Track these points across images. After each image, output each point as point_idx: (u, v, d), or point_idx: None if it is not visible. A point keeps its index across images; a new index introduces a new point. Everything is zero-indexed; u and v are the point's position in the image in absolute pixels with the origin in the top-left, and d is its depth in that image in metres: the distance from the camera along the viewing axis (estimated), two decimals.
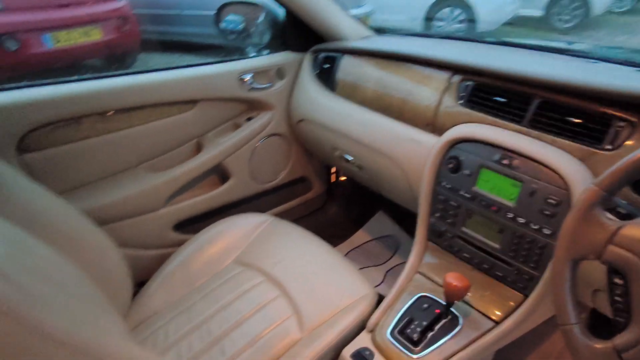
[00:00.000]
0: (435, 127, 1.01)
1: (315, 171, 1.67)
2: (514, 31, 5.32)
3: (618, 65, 0.90)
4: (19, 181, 0.73)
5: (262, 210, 1.38)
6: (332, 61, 1.32)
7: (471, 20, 5.29)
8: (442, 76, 1.01)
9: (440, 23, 5.50)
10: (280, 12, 1.39)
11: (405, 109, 1.08)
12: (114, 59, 4.37)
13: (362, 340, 0.87)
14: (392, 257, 1.61)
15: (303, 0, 1.27)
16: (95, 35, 3.83)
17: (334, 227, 1.74)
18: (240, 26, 1.61)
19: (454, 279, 0.80)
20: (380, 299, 0.97)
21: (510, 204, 0.82)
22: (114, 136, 1.15)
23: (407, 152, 1.06)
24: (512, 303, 0.85)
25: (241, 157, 1.40)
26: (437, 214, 0.97)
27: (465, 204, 0.90)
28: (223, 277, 1.03)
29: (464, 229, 0.92)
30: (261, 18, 1.50)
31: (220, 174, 1.42)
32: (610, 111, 0.74)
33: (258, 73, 1.35)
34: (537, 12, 6.00)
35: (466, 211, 0.90)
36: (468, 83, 0.95)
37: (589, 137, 0.75)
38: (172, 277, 1.06)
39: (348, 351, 0.85)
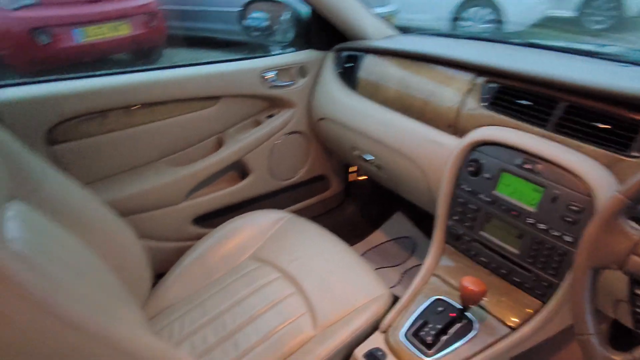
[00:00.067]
0: (456, 128, 0.99)
1: (334, 170, 1.67)
2: (542, 32, 5.19)
3: None
4: (47, 171, 0.76)
5: (280, 207, 1.39)
6: (355, 60, 1.31)
7: (499, 21, 5.19)
8: (466, 77, 1.00)
9: (467, 23, 5.40)
10: (305, 10, 1.40)
11: (426, 109, 1.07)
12: (140, 53, 4.46)
13: (375, 341, 0.87)
14: (409, 258, 1.60)
15: None
16: (123, 30, 3.92)
17: (351, 226, 1.74)
18: (265, 23, 1.63)
19: (470, 283, 0.79)
20: (395, 300, 0.96)
21: (531, 209, 0.81)
22: (137, 130, 1.18)
23: (427, 153, 1.05)
24: (529, 310, 0.83)
25: (261, 154, 1.41)
26: (456, 217, 0.96)
27: (485, 208, 0.89)
28: (239, 272, 1.05)
29: (482, 232, 0.91)
30: (285, 16, 1.51)
31: (239, 170, 1.44)
32: (639, 117, 0.72)
33: (280, 71, 1.36)
34: (568, 13, 5.82)
35: (485, 215, 0.89)
36: (492, 85, 0.94)
37: (616, 143, 0.73)
38: (189, 270, 1.08)
39: (361, 351, 0.85)
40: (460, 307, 0.84)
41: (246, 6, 1.55)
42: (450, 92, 1.02)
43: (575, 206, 0.74)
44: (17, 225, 0.56)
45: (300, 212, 1.33)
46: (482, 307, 0.88)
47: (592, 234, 0.57)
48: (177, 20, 4.98)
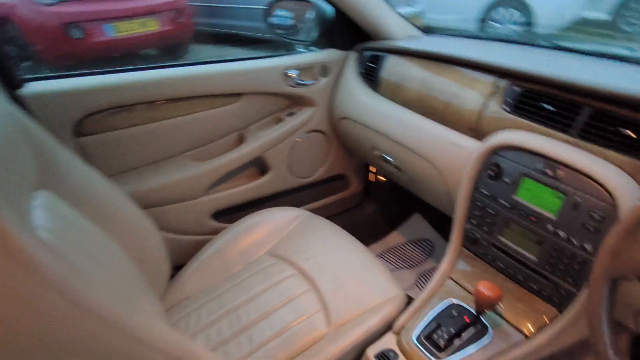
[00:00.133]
0: (477, 131, 0.98)
1: (354, 169, 1.67)
2: (573, 35, 5.04)
3: None
4: (74, 163, 0.78)
5: (298, 204, 1.40)
6: (377, 60, 1.31)
7: (529, 23, 5.06)
8: (489, 80, 0.98)
9: (496, 25, 5.29)
10: (328, 9, 1.40)
11: (448, 111, 1.06)
12: (167, 49, 4.55)
13: (388, 342, 0.87)
14: (425, 260, 1.59)
15: None
16: (152, 26, 4.01)
17: (369, 226, 1.73)
18: (289, 22, 1.64)
19: (485, 287, 0.78)
20: (410, 301, 0.96)
21: (551, 215, 0.79)
22: (161, 124, 1.21)
23: (447, 156, 1.04)
24: (545, 318, 0.82)
25: (281, 151, 1.42)
26: (474, 221, 0.95)
27: (504, 213, 0.88)
28: (256, 267, 1.06)
29: (500, 237, 0.89)
30: (309, 15, 1.51)
31: (259, 166, 1.46)
32: None
33: (303, 69, 1.37)
34: (602, 15, 5.63)
35: (504, 220, 0.88)
36: (515, 88, 0.92)
37: None
38: (207, 264, 1.09)
39: (372, 351, 0.85)
40: (475, 312, 0.83)
41: (271, 4, 1.57)
42: (473, 94, 1.00)
43: (597, 214, 0.72)
44: (44, 214, 0.58)
45: (318, 211, 1.34)
46: (497, 313, 0.87)
47: (613, 243, 0.55)
48: (203, 17, 5.06)
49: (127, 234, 0.86)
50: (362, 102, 1.32)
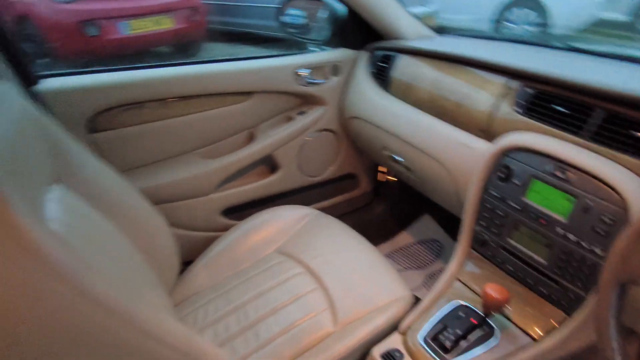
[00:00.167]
0: (488, 133, 0.98)
1: (364, 169, 1.67)
2: (589, 37, 4.96)
3: None
4: (87, 158, 0.80)
5: (307, 203, 1.41)
6: (389, 60, 1.31)
7: (544, 24, 4.99)
8: (501, 81, 0.98)
9: (511, 25, 5.23)
10: (341, 9, 1.40)
11: (459, 112, 1.05)
12: (181, 47, 4.59)
13: (393, 341, 0.87)
14: (434, 261, 1.58)
15: None
16: (166, 24, 4.05)
17: (378, 226, 1.73)
18: (302, 21, 1.64)
19: (493, 290, 0.78)
20: (417, 302, 0.96)
21: (561, 218, 0.78)
22: (172, 122, 1.22)
23: (457, 157, 1.04)
24: (553, 322, 0.81)
25: (291, 150, 1.43)
26: (483, 222, 0.94)
27: (513, 215, 0.87)
28: (264, 264, 1.07)
29: (509, 240, 0.89)
30: (322, 14, 1.52)
31: (269, 164, 1.46)
32: None
33: (314, 68, 1.37)
34: (621, 16, 5.53)
35: (513, 222, 0.87)
36: (527, 90, 0.91)
37: None
38: (216, 260, 1.11)
39: (378, 350, 0.85)
40: (482, 313, 0.83)
41: (284, 3, 1.57)
42: (484, 95, 1.00)
43: (608, 218, 0.71)
44: (57, 207, 0.60)
45: (327, 210, 1.34)
46: (504, 316, 0.86)
47: (623, 247, 0.55)
48: (216, 15, 5.09)
49: (137, 228, 0.87)
50: (372, 101, 1.32)
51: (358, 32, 1.40)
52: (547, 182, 0.81)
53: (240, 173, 1.39)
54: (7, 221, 0.38)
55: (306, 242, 1.12)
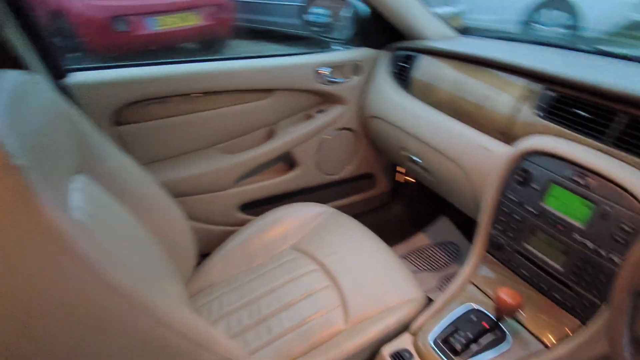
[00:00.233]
0: (508, 136, 0.96)
1: (382, 169, 1.66)
2: (622, 40, 4.78)
3: None
4: (110, 150, 0.82)
5: (324, 201, 1.41)
6: (410, 60, 1.30)
7: (575, 27, 4.85)
8: (522, 84, 0.96)
9: (540, 27, 5.10)
10: (363, 8, 1.40)
11: (479, 114, 1.04)
12: (207, 44, 4.65)
13: (404, 342, 0.87)
14: (450, 264, 1.57)
15: None
16: (193, 20, 4.11)
17: (395, 227, 1.73)
18: (325, 19, 1.65)
19: (506, 294, 0.77)
20: (429, 303, 0.96)
21: (579, 225, 0.77)
22: (195, 117, 1.25)
23: (475, 159, 1.03)
24: (567, 329, 0.80)
25: (309, 148, 1.44)
26: (499, 226, 0.93)
27: (530, 219, 0.86)
28: (278, 260, 1.08)
29: (525, 245, 0.88)
30: (345, 13, 1.52)
31: (287, 161, 1.48)
32: None
33: (335, 67, 1.38)
34: None
35: (530, 227, 0.86)
36: (549, 93, 0.90)
37: None
38: (232, 254, 1.12)
39: (388, 350, 0.85)
40: (495, 318, 0.82)
41: (309, 1, 1.58)
42: (505, 98, 0.99)
43: (627, 226, 0.70)
44: (81, 196, 0.62)
45: (344, 208, 1.35)
46: (517, 321, 0.85)
47: (639, 255, 0.54)
48: (241, 13, 5.14)
49: (156, 220, 0.89)
50: (392, 101, 1.31)
51: (380, 31, 1.39)
52: (566, 188, 0.79)
53: (259, 169, 1.41)
54: (32, 209, 0.40)
55: (321, 240, 1.13)
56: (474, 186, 1.04)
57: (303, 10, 1.59)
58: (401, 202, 1.77)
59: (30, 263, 0.40)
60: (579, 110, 0.83)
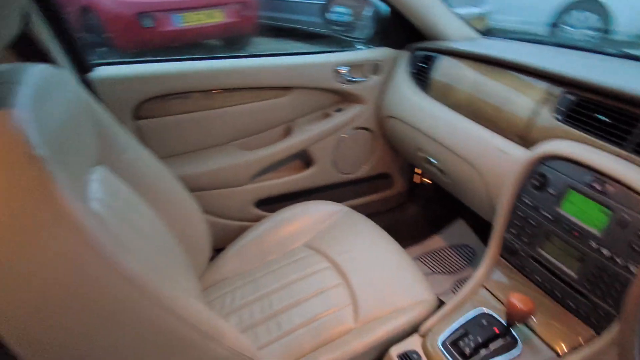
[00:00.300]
0: (526, 139, 0.95)
1: (399, 169, 1.66)
2: None
3: None
4: (130, 143, 0.85)
5: (339, 199, 1.42)
6: (430, 60, 1.29)
7: (605, 30, 4.69)
8: (542, 87, 0.95)
9: (569, 29, 4.96)
10: (384, 7, 1.40)
11: (498, 117, 1.03)
12: (230, 40, 4.70)
13: (412, 343, 0.86)
14: (465, 267, 1.55)
15: None
16: (217, 17, 4.16)
17: (410, 228, 1.72)
18: (347, 18, 1.65)
19: (518, 299, 0.76)
20: (441, 306, 0.95)
21: (595, 232, 0.75)
22: (214, 113, 1.27)
23: (491, 162, 1.01)
24: (580, 338, 0.78)
25: (326, 146, 1.44)
26: (514, 230, 0.92)
27: (546, 225, 0.84)
28: (292, 257, 1.09)
29: (540, 250, 0.86)
30: (367, 12, 1.52)
31: (304, 159, 1.48)
32: None
33: (354, 66, 1.38)
34: None
35: (545, 232, 0.85)
36: (569, 97, 0.88)
37: None
38: (246, 249, 1.14)
39: (396, 350, 0.85)
40: (506, 323, 0.81)
41: (330, 0, 1.59)
42: (524, 100, 0.97)
43: None
44: (99, 187, 0.64)
45: (359, 208, 1.35)
46: (529, 327, 0.84)
47: None
48: (265, 10, 5.17)
49: (173, 213, 0.91)
50: (410, 102, 1.31)
51: (400, 31, 1.39)
52: (583, 193, 0.78)
53: (275, 166, 1.42)
54: (50, 198, 0.42)
55: (334, 238, 1.13)
56: (489, 189, 1.03)
57: (325, 8, 1.60)
58: (417, 203, 1.75)
59: (46, 250, 0.42)
60: (600, 115, 0.81)
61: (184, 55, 1.22)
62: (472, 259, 1.58)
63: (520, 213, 0.90)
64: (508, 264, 0.95)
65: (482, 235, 1.63)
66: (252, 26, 4.57)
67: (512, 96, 1.00)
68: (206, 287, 1.06)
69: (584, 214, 0.78)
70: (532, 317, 0.84)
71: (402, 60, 1.40)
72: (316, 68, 1.34)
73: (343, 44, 1.52)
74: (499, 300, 0.91)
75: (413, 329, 0.90)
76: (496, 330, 0.83)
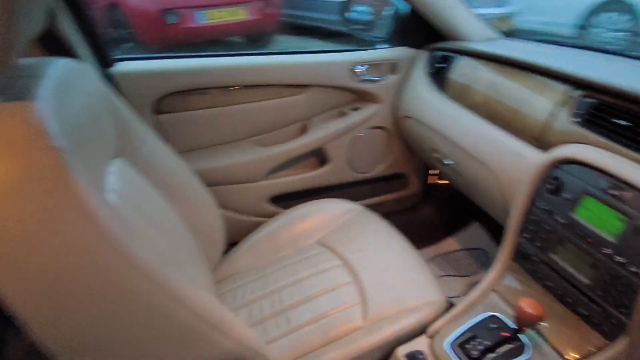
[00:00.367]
0: (542, 142, 0.93)
1: (414, 170, 1.65)
2: None
3: None
4: (149, 136, 0.87)
5: (353, 198, 1.42)
6: (447, 61, 1.28)
7: (637, 32, 4.54)
8: (560, 89, 0.93)
9: (597, 31, 4.82)
10: (403, 7, 1.39)
11: (515, 119, 1.02)
12: (252, 38, 4.75)
13: (420, 344, 0.86)
14: (478, 271, 1.53)
15: None
16: (240, 15, 4.20)
17: (424, 229, 1.71)
18: (368, 17, 1.65)
19: (527, 304, 0.75)
20: (450, 308, 0.95)
21: (610, 238, 0.74)
22: (231, 109, 1.29)
23: (507, 164, 1.00)
24: (591, 347, 0.77)
25: (342, 145, 1.45)
26: (527, 235, 0.91)
27: (559, 230, 0.83)
28: (304, 254, 1.10)
29: (552, 255, 0.85)
30: (387, 11, 1.51)
31: (319, 157, 1.49)
32: None
33: (371, 65, 1.38)
34: None
35: (559, 238, 0.83)
36: (588, 100, 0.86)
37: None
38: (259, 244, 1.16)
39: (403, 350, 0.85)
40: (515, 328, 0.80)
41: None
42: (542, 103, 0.95)
43: None
44: (116, 179, 0.66)
45: (373, 207, 1.35)
46: (539, 333, 0.83)
47: None
48: (286, 8, 5.19)
49: (188, 206, 0.93)
50: (427, 102, 1.30)
51: (419, 31, 1.38)
52: (599, 199, 0.76)
53: (291, 163, 1.43)
54: (67, 188, 0.44)
55: (347, 236, 1.14)
56: (504, 192, 1.02)
57: (345, 7, 1.60)
58: (432, 204, 1.74)
59: (60, 238, 0.44)
60: (619, 119, 0.80)
61: (205, 52, 1.24)
62: (486, 263, 1.56)
63: (533, 217, 0.89)
64: (520, 268, 0.94)
65: (498, 239, 1.60)
66: (275, 24, 4.61)
67: (530, 98, 0.99)
68: (219, 280, 1.08)
69: (598, 220, 0.76)
70: (543, 322, 0.82)
71: (420, 60, 1.40)
72: (333, 66, 1.35)
73: (362, 43, 1.52)
74: (509, 304, 0.90)
75: (421, 330, 0.89)
76: (505, 334, 0.82)
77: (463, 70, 1.22)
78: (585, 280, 0.78)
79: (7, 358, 0.62)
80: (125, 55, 1.15)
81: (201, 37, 4.06)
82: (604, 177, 0.76)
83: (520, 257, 0.93)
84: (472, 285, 1.45)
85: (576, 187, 0.81)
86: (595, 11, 4.76)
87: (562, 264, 0.83)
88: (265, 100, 1.32)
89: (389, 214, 1.63)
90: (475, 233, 1.69)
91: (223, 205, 1.33)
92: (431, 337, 0.87)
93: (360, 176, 1.56)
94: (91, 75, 0.72)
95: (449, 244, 1.68)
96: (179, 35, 3.88)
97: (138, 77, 1.13)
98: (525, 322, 0.76)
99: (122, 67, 1.11)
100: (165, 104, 1.20)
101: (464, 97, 1.19)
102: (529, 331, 0.82)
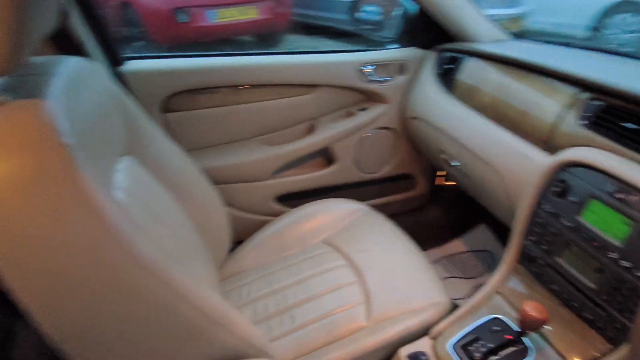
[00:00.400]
0: (549, 145, 0.93)
1: (421, 170, 1.64)
2: None
3: None
4: (157, 135, 0.88)
5: (360, 198, 1.42)
6: (456, 62, 1.28)
7: None
8: (568, 91, 0.92)
9: (611, 32, 4.74)
10: (412, 7, 1.39)
11: (521, 120, 1.01)
12: (263, 37, 4.76)
13: (423, 345, 0.86)
14: (484, 273, 1.52)
15: None
16: (251, 14, 4.22)
17: (431, 230, 1.70)
18: (377, 17, 1.65)
19: (531, 308, 0.75)
20: (454, 309, 0.95)
21: (616, 243, 0.73)
22: (240, 108, 1.29)
23: (514, 167, 1.00)
24: (595, 351, 0.76)
25: (349, 145, 1.45)
26: (532, 237, 0.90)
27: (565, 233, 0.83)
28: (309, 253, 1.11)
29: (558, 259, 0.84)
30: (397, 12, 1.51)
31: (326, 157, 1.50)
32: None
33: (379, 66, 1.38)
34: None
35: (564, 241, 0.83)
36: (596, 103, 0.86)
37: None
38: (265, 243, 1.16)
39: (406, 351, 0.85)
40: (518, 331, 0.80)
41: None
42: (550, 105, 0.95)
43: None
44: (125, 177, 0.67)
45: (379, 208, 1.35)
46: (543, 337, 0.83)
47: None
48: (297, 8, 5.19)
49: (195, 204, 0.94)
50: (434, 103, 1.30)
51: (428, 31, 1.38)
52: (605, 203, 0.76)
53: (298, 162, 1.44)
54: (75, 184, 0.45)
55: (353, 236, 1.14)
56: (510, 194, 1.01)
57: (355, 7, 1.60)
58: (439, 205, 1.74)
59: (67, 234, 0.45)
60: (627, 122, 0.79)
61: (216, 51, 1.25)
62: (492, 265, 1.55)
63: (539, 220, 0.88)
64: (525, 271, 0.93)
65: (504, 241, 1.59)
66: (285, 23, 4.61)
67: (537, 100, 0.98)
68: (224, 278, 1.09)
69: (605, 223, 0.76)
70: (547, 326, 0.82)
71: (428, 61, 1.39)
72: (341, 66, 1.35)
73: (371, 43, 1.52)
74: (513, 307, 0.90)
75: (424, 331, 0.89)
76: (508, 337, 0.82)
77: (471, 71, 1.22)
78: (591, 285, 0.78)
79: (16, 351, 0.64)
80: (135, 54, 1.16)
81: (212, 36, 4.08)
82: (611, 180, 0.76)
83: (526, 259, 0.92)
84: (478, 287, 1.44)
85: (583, 190, 0.80)
86: (608, 12, 4.68)
87: (568, 267, 0.83)
88: (273, 99, 1.33)
89: (395, 214, 1.62)
90: (482, 235, 1.68)
91: (230, 203, 1.34)
92: (434, 338, 0.87)
93: (367, 176, 1.56)
94: (101, 74, 0.74)
95: (456, 245, 1.67)
96: (190, 34, 3.91)
97: (147, 75, 1.14)
98: (529, 325, 0.76)
99: (132, 65, 1.12)
100: (174, 103, 1.21)
101: (471, 99, 1.19)
102: (533, 334, 0.82)
